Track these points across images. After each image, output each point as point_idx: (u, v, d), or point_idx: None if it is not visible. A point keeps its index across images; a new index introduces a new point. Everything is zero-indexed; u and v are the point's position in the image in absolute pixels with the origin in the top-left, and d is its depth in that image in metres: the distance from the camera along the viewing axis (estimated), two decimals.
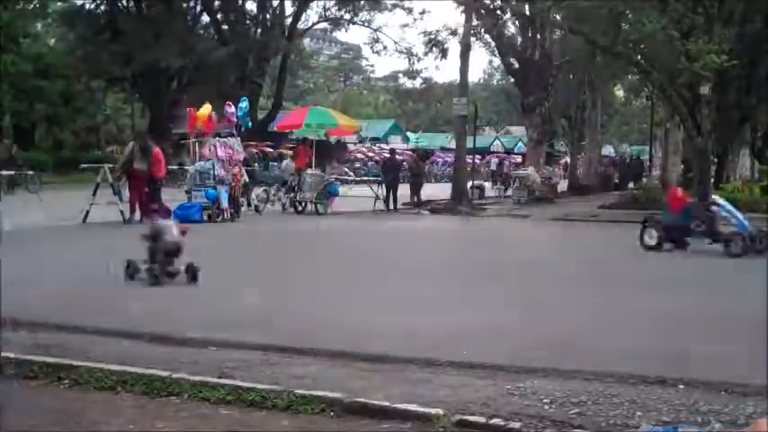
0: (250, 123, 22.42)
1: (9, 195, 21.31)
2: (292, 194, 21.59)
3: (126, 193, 17.18)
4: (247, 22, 43.32)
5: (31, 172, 25.51)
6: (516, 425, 4.49)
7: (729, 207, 13.71)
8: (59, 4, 42.74)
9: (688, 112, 22.06)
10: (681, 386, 5.27)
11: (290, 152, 26.99)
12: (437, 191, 29.21)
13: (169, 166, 22.65)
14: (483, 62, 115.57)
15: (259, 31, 42.94)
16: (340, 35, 79.90)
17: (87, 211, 16.50)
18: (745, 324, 7.26)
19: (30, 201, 20.63)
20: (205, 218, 17.18)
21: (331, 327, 7.14)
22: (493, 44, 33.86)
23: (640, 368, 5.58)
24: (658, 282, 10.16)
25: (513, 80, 35.31)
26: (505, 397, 4.98)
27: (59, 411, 4.84)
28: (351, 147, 51.10)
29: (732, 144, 31.87)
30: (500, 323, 7.30)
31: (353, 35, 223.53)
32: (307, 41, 66.09)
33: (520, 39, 31.55)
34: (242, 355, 6.02)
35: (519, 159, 43.50)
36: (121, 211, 16.74)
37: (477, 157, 34.43)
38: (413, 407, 4.72)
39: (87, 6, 41.65)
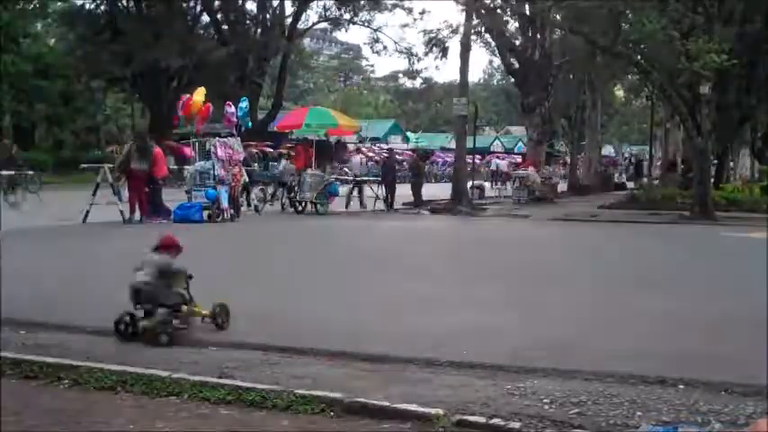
0: (250, 123, 22.41)
1: (10, 195, 21.30)
2: (292, 194, 21.60)
3: (125, 194, 17.19)
4: (247, 22, 43.33)
5: (31, 172, 25.51)
6: (516, 425, 4.49)
7: None
8: (59, 4, 42.76)
9: (688, 112, 22.06)
10: (681, 386, 5.27)
11: (289, 152, 26.99)
12: (437, 191, 29.21)
13: (172, 166, 22.72)
14: (483, 62, 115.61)
15: (259, 31, 42.95)
16: (340, 35, 79.96)
17: (87, 211, 16.50)
18: (746, 324, 7.26)
19: (30, 201, 20.65)
20: (205, 218, 17.19)
21: (331, 327, 7.14)
22: (493, 44, 33.89)
23: (640, 368, 5.59)
24: (658, 281, 10.16)
25: (513, 80, 35.33)
26: (505, 397, 4.98)
27: (59, 411, 4.84)
28: (350, 147, 51.12)
29: (732, 144, 31.87)
30: (500, 323, 7.30)
31: (353, 35, 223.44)
32: (307, 41, 66.10)
33: (520, 39, 31.56)
34: (242, 355, 6.02)
35: (519, 159, 43.50)
36: (121, 211, 16.74)
37: (477, 157, 34.43)
38: (413, 407, 4.72)
39: (87, 6, 41.70)
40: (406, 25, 71.04)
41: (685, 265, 12.30)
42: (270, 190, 22.71)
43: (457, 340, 6.54)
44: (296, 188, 21.35)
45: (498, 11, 28.89)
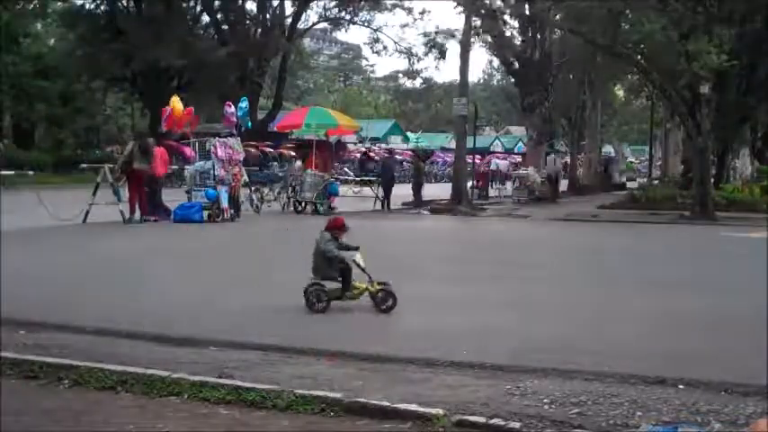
0: (250, 124, 22.43)
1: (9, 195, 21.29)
2: (292, 194, 21.61)
3: (125, 193, 17.19)
4: (247, 22, 43.31)
5: (31, 172, 25.49)
6: (516, 425, 4.49)
7: None
8: (59, 4, 42.75)
9: (688, 112, 22.06)
10: (681, 386, 5.27)
11: (292, 153, 26.97)
12: (437, 191, 29.21)
13: (173, 167, 22.71)
14: (483, 62, 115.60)
15: (259, 31, 42.93)
16: (340, 35, 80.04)
17: (87, 211, 16.50)
18: (746, 324, 7.27)
19: (29, 200, 20.62)
20: (205, 218, 17.19)
21: (331, 326, 7.14)
22: (493, 44, 33.86)
23: (640, 368, 5.59)
24: (658, 281, 10.15)
25: (513, 80, 35.33)
26: (505, 397, 4.98)
27: (59, 411, 4.84)
28: (350, 147, 51.13)
29: (732, 144, 31.87)
30: (500, 323, 7.30)
31: (353, 35, 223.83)
32: (307, 41, 66.07)
33: (520, 39, 31.56)
34: (242, 355, 6.02)
35: (519, 159, 43.51)
36: (121, 211, 16.74)
37: (477, 157, 34.43)
38: (413, 407, 4.72)
39: (87, 6, 41.67)
40: (405, 25, 70.99)
41: (685, 265, 12.30)
42: (265, 190, 22.73)
43: (457, 340, 6.54)
44: (297, 188, 21.37)
45: (497, 12, 28.88)
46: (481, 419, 4.56)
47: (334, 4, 44.87)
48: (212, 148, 17.73)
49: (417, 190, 25.60)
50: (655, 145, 46.55)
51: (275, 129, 32.19)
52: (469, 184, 26.91)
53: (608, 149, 53.63)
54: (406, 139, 62.89)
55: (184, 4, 42.70)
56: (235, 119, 18.85)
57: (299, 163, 22.89)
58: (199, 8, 43.66)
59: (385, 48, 47.01)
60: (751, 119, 32.43)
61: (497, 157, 47.29)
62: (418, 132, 69.00)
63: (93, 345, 6.28)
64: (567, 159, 45.58)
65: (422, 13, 52.85)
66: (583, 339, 6.66)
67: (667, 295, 9.00)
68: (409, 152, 53.71)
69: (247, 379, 5.27)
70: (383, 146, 55.80)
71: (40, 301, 7.92)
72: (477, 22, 27.74)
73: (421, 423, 4.59)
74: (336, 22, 48.33)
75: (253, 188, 20.88)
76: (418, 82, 55.64)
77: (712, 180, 24.15)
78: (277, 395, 4.94)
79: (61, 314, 7.30)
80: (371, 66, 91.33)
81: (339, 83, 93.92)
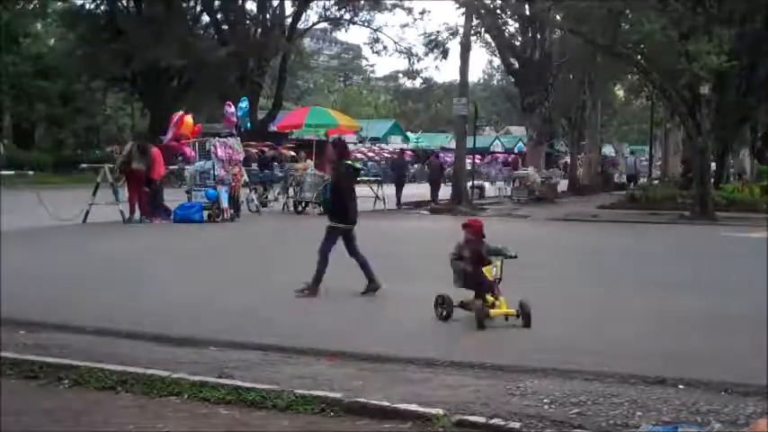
0: (249, 124, 22.44)
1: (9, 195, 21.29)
2: (291, 194, 21.62)
3: (124, 193, 17.20)
4: (247, 22, 43.31)
5: (31, 172, 25.49)
6: (516, 425, 4.49)
7: None
8: (59, 4, 42.75)
9: (688, 112, 22.05)
10: (681, 386, 5.27)
11: (292, 152, 26.97)
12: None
13: (172, 166, 22.70)
14: (483, 62, 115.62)
15: (259, 31, 42.93)
16: (340, 35, 80.00)
17: (87, 211, 16.50)
18: (746, 324, 7.26)
19: (29, 200, 20.61)
20: (205, 218, 17.19)
21: (331, 326, 7.14)
22: (493, 44, 33.89)
23: (640, 368, 5.59)
24: (658, 281, 10.15)
25: (513, 80, 35.33)
26: (505, 397, 4.98)
27: (59, 411, 4.84)
28: (351, 147, 51.06)
29: (732, 144, 31.88)
30: (500, 323, 7.29)
31: (353, 35, 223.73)
32: (307, 41, 66.06)
33: (520, 39, 31.57)
34: (242, 355, 6.02)
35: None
36: (121, 211, 16.74)
37: (477, 157, 34.44)
38: (413, 407, 4.72)
39: (87, 6, 41.66)
40: (405, 25, 71.09)
41: (685, 265, 12.30)
42: (261, 190, 22.72)
43: (457, 340, 6.54)
44: (297, 188, 21.37)
45: (498, 11, 28.88)
46: (481, 419, 4.56)
47: (334, 4, 44.89)
48: (212, 148, 17.73)
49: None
50: (655, 145, 46.55)
51: (275, 129, 32.19)
52: (469, 183, 26.92)
53: (608, 149, 53.68)
54: (406, 139, 62.91)
55: (184, 4, 42.69)
56: (235, 119, 18.85)
57: (309, 162, 22.78)
58: (199, 8, 43.66)
59: (385, 48, 47.07)
60: (751, 119, 32.45)
61: (496, 159, 47.33)
62: (418, 132, 69.00)
63: (93, 345, 6.28)
64: (568, 159, 45.62)
65: (422, 13, 52.92)
66: (583, 339, 6.66)
67: (667, 295, 8.99)
68: (409, 152, 53.73)
69: (247, 379, 5.27)
70: (382, 146, 55.85)
71: (40, 301, 7.92)
72: (477, 22, 27.76)
73: (421, 423, 4.59)
74: (336, 22, 48.34)
75: (250, 188, 20.88)
76: (418, 82, 55.71)
77: (712, 180, 24.15)
78: (277, 395, 4.94)
79: (61, 314, 7.30)
80: (371, 66, 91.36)
81: (339, 83, 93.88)
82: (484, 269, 7.30)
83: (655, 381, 5.35)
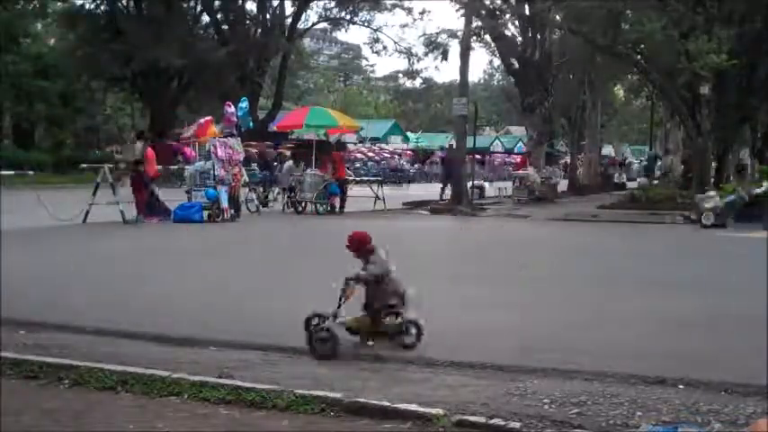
0: (251, 124, 22.44)
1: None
2: (292, 194, 21.62)
3: (121, 192, 17.18)
4: (247, 22, 43.35)
5: (31, 172, 25.48)
6: (516, 425, 4.49)
7: None
8: (59, 4, 42.77)
9: (688, 112, 22.06)
10: (681, 386, 5.27)
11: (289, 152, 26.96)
12: (437, 191, 29.18)
13: (172, 166, 22.70)
14: (483, 62, 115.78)
15: (259, 31, 42.96)
16: (340, 35, 79.96)
17: (87, 211, 16.50)
18: (746, 324, 7.26)
19: (29, 200, 20.62)
20: (205, 218, 17.19)
21: None
22: (493, 44, 33.88)
23: (640, 368, 5.58)
24: (658, 281, 10.15)
25: (513, 80, 35.34)
26: (505, 397, 4.98)
27: (59, 411, 4.84)
28: (351, 147, 51.12)
29: (732, 144, 31.87)
30: (500, 323, 7.30)
31: (353, 35, 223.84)
32: (307, 41, 66.09)
33: (520, 39, 31.57)
34: (242, 355, 6.02)
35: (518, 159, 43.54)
36: (121, 211, 16.73)
37: (478, 156, 34.44)
38: (413, 407, 4.71)
39: (87, 6, 41.68)
40: (405, 25, 71.19)
41: (685, 265, 12.29)
42: (260, 190, 22.74)
43: (457, 340, 6.54)
44: (297, 188, 21.38)
45: (498, 12, 28.89)
46: (481, 419, 4.55)
47: (334, 4, 44.92)
48: (212, 148, 17.73)
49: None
50: (655, 145, 46.55)
51: (275, 129, 32.19)
52: (469, 184, 26.91)
53: (608, 149, 53.69)
54: (406, 139, 62.93)
55: (184, 4, 42.72)
56: (235, 119, 18.85)
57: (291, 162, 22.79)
58: (199, 8, 43.68)
59: (385, 48, 47.17)
60: (751, 119, 32.44)
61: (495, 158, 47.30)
62: (418, 132, 69.02)
63: (93, 345, 6.28)
64: (568, 159, 45.61)
65: (422, 13, 53.01)
66: (583, 339, 6.66)
67: (667, 295, 8.99)
68: (410, 152, 53.76)
69: (247, 379, 5.27)
70: (382, 146, 55.85)
71: (40, 301, 7.92)
72: (477, 22, 27.77)
73: (421, 423, 4.59)
74: (336, 22, 48.40)
75: (250, 188, 20.87)
76: (418, 82, 55.75)
77: (712, 180, 24.15)
78: (277, 395, 4.93)
79: (61, 314, 7.30)
80: (371, 66, 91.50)
81: (339, 83, 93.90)
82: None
83: (655, 381, 5.35)
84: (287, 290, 8.75)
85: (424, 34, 30.08)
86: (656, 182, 35.98)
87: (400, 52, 44.74)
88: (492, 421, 4.53)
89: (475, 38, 28.94)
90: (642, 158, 49.99)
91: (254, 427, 4.62)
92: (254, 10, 43.45)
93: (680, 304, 8.36)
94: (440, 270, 11.07)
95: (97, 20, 41.08)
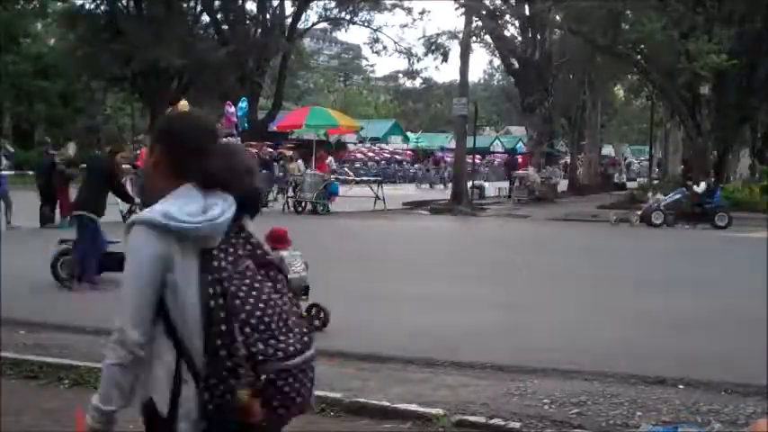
0: (247, 124, 22.44)
1: None
2: (292, 194, 21.63)
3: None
4: (247, 22, 43.30)
5: (31, 172, 25.45)
6: (516, 425, 4.49)
7: None
8: (59, 4, 42.75)
9: (688, 112, 22.06)
10: (681, 386, 5.27)
11: (290, 153, 26.97)
12: (437, 191, 29.20)
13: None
14: (483, 62, 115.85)
15: (259, 31, 42.94)
16: (340, 35, 79.97)
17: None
18: (746, 324, 7.26)
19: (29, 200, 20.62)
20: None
21: (331, 326, 7.13)
22: (493, 44, 33.90)
23: (640, 368, 5.58)
24: (658, 281, 10.16)
25: (513, 80, 35.35)
26: (505, 397, 4.98)
27: (59, 411, 4.84)
28: (351, 147, 51.12)
29: (732, 144, 31.87)
30: (500, 323, 7.30)
31: (353, 35, 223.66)
32: (307, 41, 66.05)
33: (520, 39, 31.58)
34: None
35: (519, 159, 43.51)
36: (121, 211, 16.70)
37: (477, 156, 34.44)
38: (413, 407, 4.72)
39: (87, 6, 41.64)
40: (405, 26, 71.05)
41: (685, 265, 12.29)
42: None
43: (457, 340, 6.54)
44: (297, 188, 21.39)
45: (498, 12, 28.90)
46: (481, 419, 4.56)
47: (334, 4, 44.90)
48: None
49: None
50: (655, 145, 46.55)
51: (275, 128, 32.19)
52: (470, 184, 26.92)
53: (608, 149, 53.64)
54: (406, 140, 62.88)
55: (184, 5, 42.69)
56: (235, 119, 18.86)
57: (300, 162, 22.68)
58: (199, 8, 43.66)
59: (385, 48, 47.08)
60: (751, 119, 32.44)
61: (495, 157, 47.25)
62: (418, 132, 68.98)
63: (93, 345, 6.27)
64: (568, 159, 45.59)
65: (421, 13, 52.93)
66: (583, 339, 6.66)
67: (667, 295, 9.00)
68: (410, 152, 53.74)
69: None
70: (382, 146, 55.84)
71: (40, 301, 7.92)
72: (477, 22, 27.78)
73: (421, 423, 4.59)
74: (336, 22, 48.35)
75: None
76: (418, 82, 55.72)
77: (712, 180, 24.13)
78: None
79: (61, 314, 7.30)
80: (371, 66, 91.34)
81: (339, 83, 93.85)
82: None
83: (655, 381, 5.35)
84: None
85: (424, 36, 30.08)
86: (656, 182, 36.00)
87: (400, 52, 44.67)
88: (492, 421, 4.53)
89: (475, 38, 28.97)
90: (642, 158, 49.91)
91: None
92: (254, 10, 43.40)
93: (680, 304, 8.36)
94: (440, 270, 11.07)
95: (97, 20, 41.05)
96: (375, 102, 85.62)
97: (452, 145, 33.25)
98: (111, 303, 7.05)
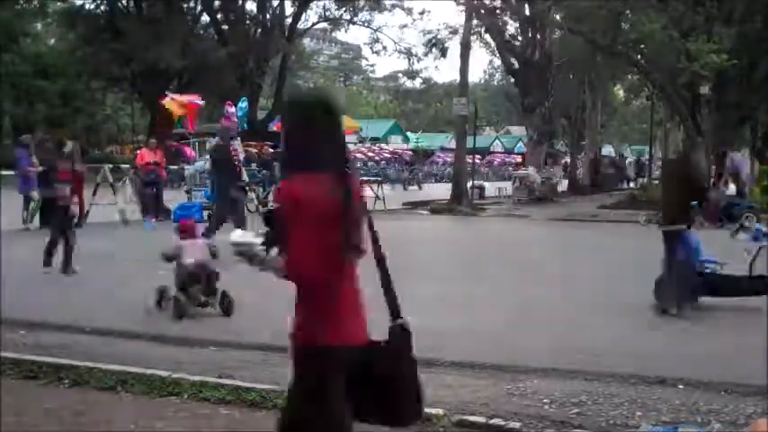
0: (247, 124, 22.43)
1: None
2: None
3: (127, 193, 17.15)
4: (247, 22, 43.31)
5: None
6: (516, 425, 4.49)
7: None
8: (59, 4, 42.74)
9: (688, 112, 22.04)
10: (681, 386, 5.27)
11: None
12: (437, 191, 29.20)
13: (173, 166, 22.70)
14: (483, 62, 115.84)
15: (259, 31, 42.94)
16: (340, 35, 79.93)
17: (87, 211, 16.49)
18: (746, 324, 7.26)
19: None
20: (205, 218, 17.15)
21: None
22: (493, 44, 33.89)
23: (640, 368, 5.58)
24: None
25: (513, 80, 35.34)
26: (505, 397, 4.98)
27: (59, 411, 4.84)
28: (351, 147, 51.00)
29: (732, 144, 31.84)
30: (500, 323, 7.30)
31: (353, 35, 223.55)
32: (307, 41, 66.04)
33: (520, 39, 31.57)
34: (242, 355, 6.02)
35: (519, 159, 43.49)
36: (121, 211, 16.72)
37: (477, 156, 34.45)
38: None
39: (87, 6, 41.67)
40: (405, 26, 71.14)
41: None
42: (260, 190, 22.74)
43: (457, 340, 6.54)
44: None
45: (498, 11, 28.89)
46: (481, 419, 4.56)
47: (334, 4, 44.90)
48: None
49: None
50: (655, 145, 46.54)
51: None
52: (469, 184, 26.92)
53: (608, 149, 53.63)
54: (406, 140, 62.86)
55: (184, 5, 42.70)
56: (235, 119, 18.84)
57: None
58: (199, 8, 43.66)
59: (385, 48, 47.18)
60: (751, 119, 32.42)
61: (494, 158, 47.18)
62: (418, 132, 68.99)
63: (93, 345, 6.28)
64: (567, 159, 45.59)
65: (421, 13, 52.97)
66: (583, 339, 6.66)
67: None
68: (409, 152, 53.66)
69: (247, 379, 5.27)
70: (382, 146, 55.82)
71: (40, 301, 7.92)
72: (477, 22, 27.76)
73: (421, 423, 4.59)
74: (336, 22, 48.36)
75: (249, 188, 20.83)
76: (418, 82, 55.78)
77: (711, 180, 24.13)
78: (277, 395, 4.93)
79: (61, 314, 7.30)
80: (371, 66, 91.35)
81: (339, 83, 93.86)
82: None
83: (655, 381, 5.36)
84: (286, 289, 8.75)
85: (424, 30, 30.03)
86: (656, 182, 35.98)
87: (400, 52, 44.73)
88: (492, 421, 4.53)
89: (475, 37, 28.96)
90: (642, 158, 49.89)
91: (254, 427, 4.62)
92: (254, 10, 43.43)
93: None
94: (440, 270, 11.07)
95: (97, 20, 41.07)
96: (375, 102, 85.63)
97: (452, 145, 33.25)
98: (111, 303, 7.06)
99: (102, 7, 41.45)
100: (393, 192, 30.28)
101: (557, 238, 17.50)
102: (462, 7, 26.27)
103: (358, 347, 2.84)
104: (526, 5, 28.87)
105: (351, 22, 46.61)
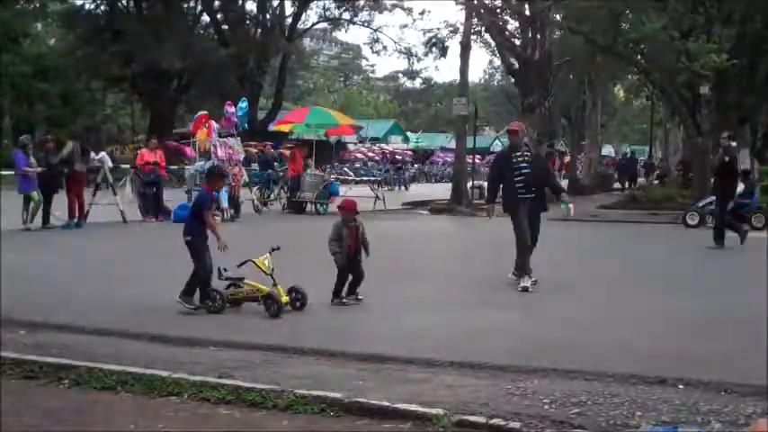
0: (246, 125, 22.44)
1: None
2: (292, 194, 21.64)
3: (127, 193, 17.16)
4: (247, 22, 43.33)
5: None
6: (516, 425, 4.49)
7: None
8: (59, 4, 42.74)
9: (688, 112, 22.03)
10: (681, 386, 5.27)
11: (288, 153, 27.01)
12: (437, 191, 29.20)
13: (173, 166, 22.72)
14: (483, 62, 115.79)
15: (259, 31, 42.96)
16: (340, 35, 79.95)
17: (87, 211, 16.50)
18: (746, 324, 7.26)
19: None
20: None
21: (331, 327, 7.14)
22: (493, 44, 33.90)
23: (640, 368, 5.58)
24: (658, 281, 10.16)
25: (513, 80, 35.34)
26: (505, 397, 4.98)
27: (59, 411, 4.85)
28: (351, 147, 51.08)
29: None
30: (500, 323, 7.30)
31: (353, 35, 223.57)
32: (307, 41, 66.08)
33: (520, 39, 31.56)
34: (242, 355, 6.02)
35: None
36: (121, 212, 16.73)
37: (477, 157, 34.43)
38: (413, 407, 4.72)
39: (87, 6, 41.67)
40: (405, 26, 71.24)
41: (685, 265, 12.29)
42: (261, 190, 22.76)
43: (457, 340, 6.54)
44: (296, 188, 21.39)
45: (498, 10, 28.90)
46: (481, 419, 4.56)
47: (334, 4, 44.93)
48: (212, 148, 17.73)
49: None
50: (655, 145, 46.56)
51: (275, 127, 32.20)
52: (469, 184, 26.92)
53: (608, 149, 53.60)
54: (406, 140, 62.89)
55: (184, 5, 42.70)
56: (235, 119, 18.86)
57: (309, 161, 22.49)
58: (199, 8, 43.67)
59: (385, 48, 47.22)
60: (751, 119, 32.42)
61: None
62: (418, 132, 68.99)
63: (93, 345, 6.28)
64: (567, 159, 45.56)
65: (421, 13, 53.01)
66: (583, 339, 6.66)
67: (667, 295, 9.00)
68: (409, 151, 53.71)
69: (247, 379, 5.28)
70: (382, 146, 55.85)
71: (40, 301, 7.92)
72: (476, 21, 27.76)
73: (421, 423, 4.59)
74: (336, 22, 48.42)
75: (249, 188, 20.86)
76: (418, 82, 55.82)
77: (712, 180, 24.12)
78: (277, 395, 4.94)
79: (61, 314, 7.30)
80: (371, 66, 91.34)
81: (339, 83, 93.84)
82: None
83: (655, 381, 5.35)
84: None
85: (424, 29, 30.06)
86: (656, 182, 36.01)
87: (400, 52, 44.80)
88: (492, 421, 4.53)
89: (475, 36, 28.96)
90: (643, 158, 49.89)
91: (254, 427, 4.62)
92: (254, 10, 43.45)
93: (680, 304, 8.36)
94: (440, 270, 11.07)
95: (97, 20, 41.07)
96: (375, 102, 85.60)
97: (452, 145, 33.26)
98: (110, 303, 7.07)
99: (102, 7, 41.45)
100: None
101: (556, 237, 17.49)
102: (462, 7, 26.27)
103: None
104: (526, 5, 28.86)
105: (351, 22, 46.67)
